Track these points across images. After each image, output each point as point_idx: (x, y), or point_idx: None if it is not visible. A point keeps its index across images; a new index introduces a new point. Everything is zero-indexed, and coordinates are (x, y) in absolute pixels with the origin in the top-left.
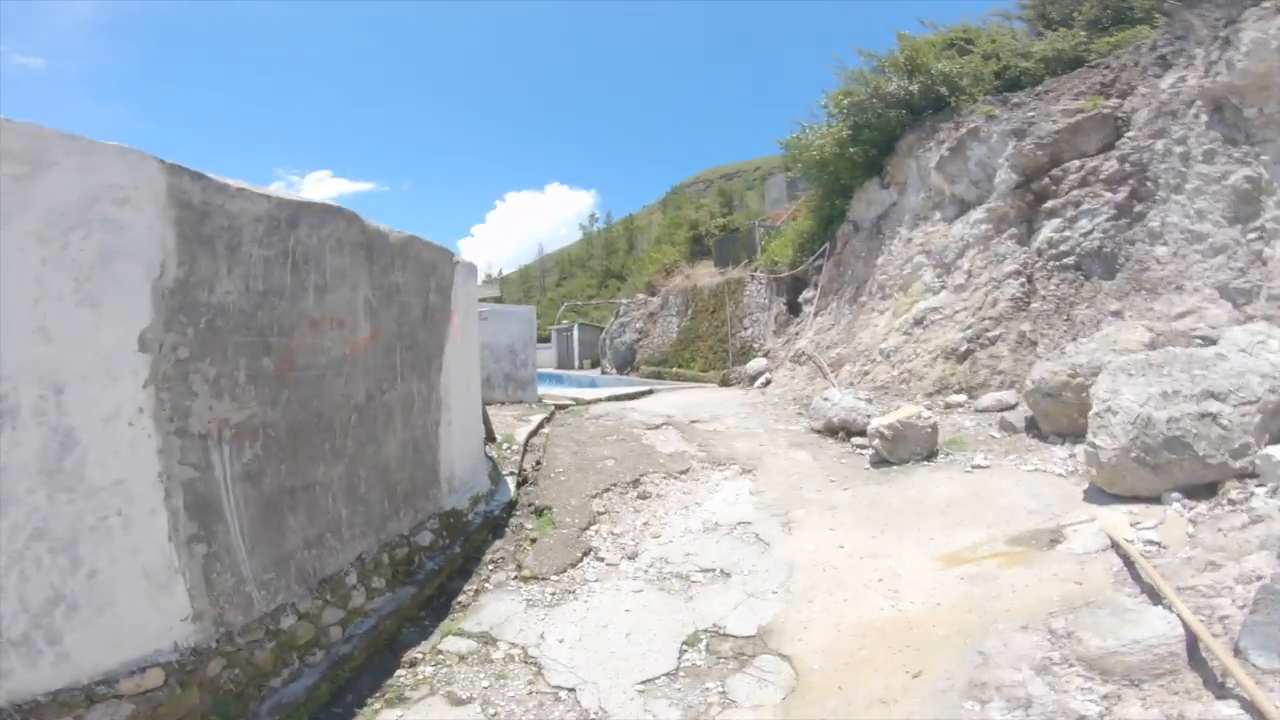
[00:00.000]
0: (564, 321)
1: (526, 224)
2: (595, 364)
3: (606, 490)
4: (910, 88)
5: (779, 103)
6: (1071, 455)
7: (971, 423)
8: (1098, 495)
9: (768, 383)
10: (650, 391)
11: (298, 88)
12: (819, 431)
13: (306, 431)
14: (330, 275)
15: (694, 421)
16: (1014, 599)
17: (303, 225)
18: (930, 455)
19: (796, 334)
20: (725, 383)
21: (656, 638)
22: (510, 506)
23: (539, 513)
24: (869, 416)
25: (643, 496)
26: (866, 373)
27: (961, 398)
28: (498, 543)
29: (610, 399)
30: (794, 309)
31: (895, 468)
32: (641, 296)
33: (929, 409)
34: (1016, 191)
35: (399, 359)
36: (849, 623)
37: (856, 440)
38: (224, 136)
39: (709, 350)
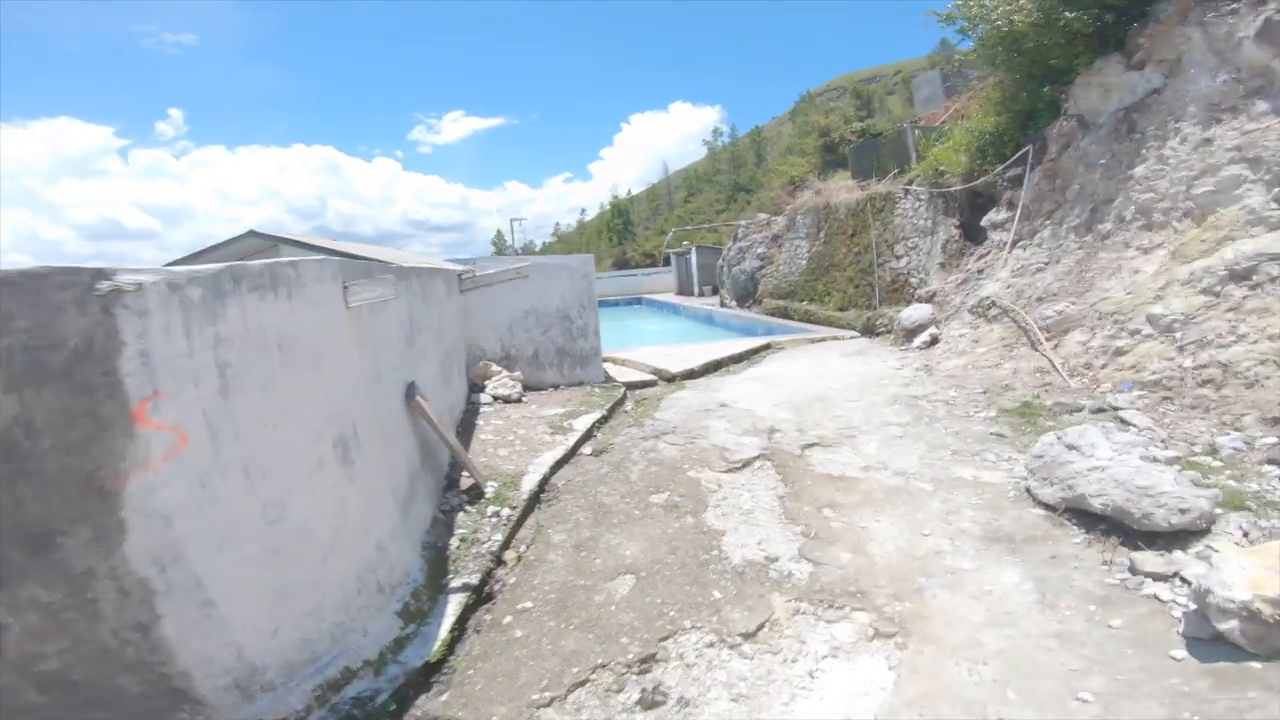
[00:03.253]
0: (685, 244)
1: (653, 144)
2: (715, 290)
3: (583, 683)
4: None
5: None
6: None
7: None
8: None
9: (933, 342)
10: (766, 349)
11: (432, 31)
12: (1049, 507)
13: None
14: None
15: (809, 446)
16: None
17: None
18: None
19: (980, 272)
20: (870, 330)
21: None
22: (426, 674)
23: None
24: (1185, 511)
25: (649, 704)
26: (1120, 352)
27: None
28: None
29: (706, 368)
30: (971, 234)
31: (1256, 668)
32: (764, 216)
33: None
34: None
35: None
36: None
37: (1144, 562)
38: (368, 86)
39: (848, 283)
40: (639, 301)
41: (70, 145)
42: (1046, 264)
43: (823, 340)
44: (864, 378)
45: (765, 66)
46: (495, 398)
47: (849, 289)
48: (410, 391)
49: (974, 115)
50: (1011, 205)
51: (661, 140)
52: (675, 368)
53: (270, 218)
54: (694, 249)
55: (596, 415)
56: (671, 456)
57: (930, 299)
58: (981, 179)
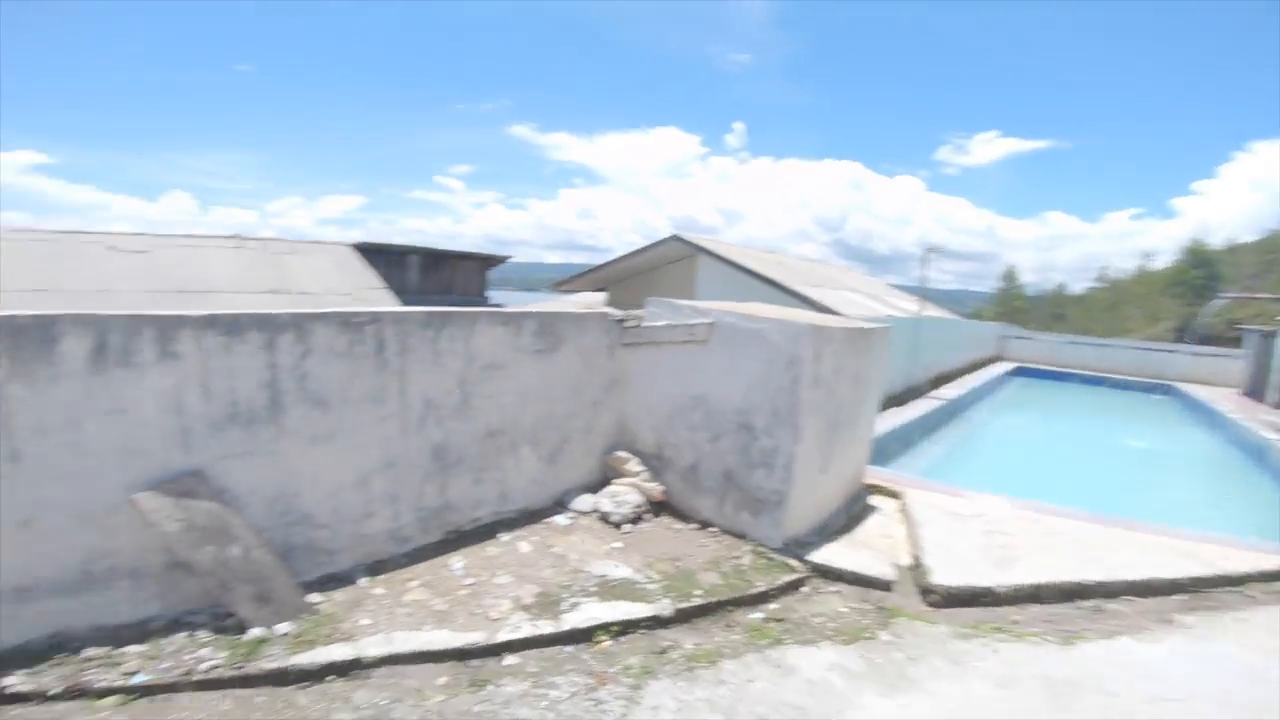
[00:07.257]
0: None
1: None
2: None
3: None
4: None
5: None
6: None
7: None
8: None
9: None
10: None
11: (971, 45)
12: None
13: None
14: None
15: None
16: None
17: None
18: None
19: None
20: None
21: None
22: None
23: None
24: None
25: None
26: None
27: None
28: None
29: (1033, 592)
30: None
31: None
32: None
33: None
34: None
35: None
36: None
37: None
38: (895, 104)
39: None
40: (1167, 391)
41: (671, 151)
42: None
43: None
44: None
45: None
46: (595, 511)
47: None
48: None
49: None
50: None
51: None
52: (963, 572)
53: (797, 228)
54: None
55: (646, 611)
56: None
57: None
58: None
